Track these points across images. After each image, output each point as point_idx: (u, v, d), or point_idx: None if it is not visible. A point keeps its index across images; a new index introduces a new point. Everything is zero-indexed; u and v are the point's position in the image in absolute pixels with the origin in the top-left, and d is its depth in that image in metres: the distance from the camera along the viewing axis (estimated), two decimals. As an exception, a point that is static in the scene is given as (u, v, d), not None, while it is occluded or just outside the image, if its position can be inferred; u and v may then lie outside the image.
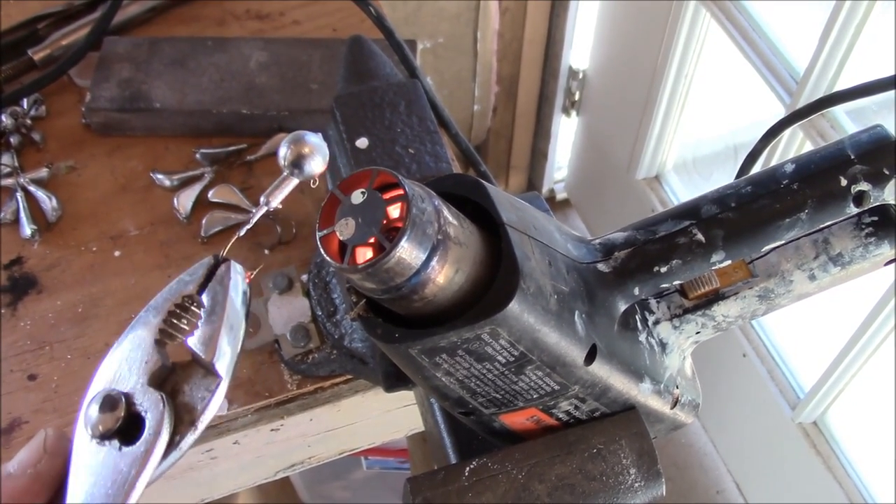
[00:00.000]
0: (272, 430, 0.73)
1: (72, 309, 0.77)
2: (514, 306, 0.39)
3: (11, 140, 0.87)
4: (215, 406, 0.40)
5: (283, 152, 0.34)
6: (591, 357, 0.43)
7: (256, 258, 0.80)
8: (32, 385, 0.72)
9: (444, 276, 0.38)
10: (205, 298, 0.41)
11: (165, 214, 0.83)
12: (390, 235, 0.37)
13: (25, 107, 0.89)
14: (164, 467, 0.39)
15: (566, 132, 2.13)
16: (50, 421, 0.70)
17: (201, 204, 0.83)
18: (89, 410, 0.39)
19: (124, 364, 0.39)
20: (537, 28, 1.90)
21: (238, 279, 0.41)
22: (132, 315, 0.75)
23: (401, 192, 0.37)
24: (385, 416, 0.78)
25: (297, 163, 0.34)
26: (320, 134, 0.38)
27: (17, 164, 0.85)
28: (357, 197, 0.38)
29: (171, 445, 0.39)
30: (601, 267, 0.46)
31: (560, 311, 0.41)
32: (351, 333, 0.70)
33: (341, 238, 0.38)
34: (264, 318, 0.74)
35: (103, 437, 0.38)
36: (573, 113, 2.06)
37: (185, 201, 0.82)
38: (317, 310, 0.73)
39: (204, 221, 0.81)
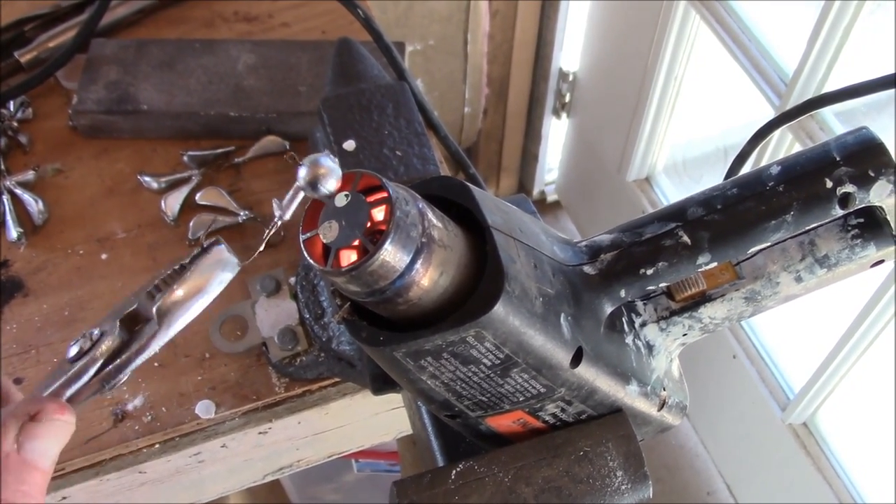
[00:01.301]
0: (260, 433, 0.73)
1: (58, 312, 0.76)
2: (499, 309, 0.39)
3: (-2, 142, 0.86)
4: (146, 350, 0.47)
5: (303, 173, 0.36)
6: (577, 359, 0.43)
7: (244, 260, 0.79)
8: (18, 389, 0.71)
9: (429, 279, 0.38)
10: (193, 269, 0.47)
11: (153, 217, 0.82)
12: (374, 238, 0.37)
13: (12, 109, 0.89)
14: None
15: (557, 134, 2.13)
16: (36, 425, 0.70)
17: (189, 206, 0.82)
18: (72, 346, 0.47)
19: (118, 305, 0.47)
20: (527, 30, 1.90)
21: (230, 268, 0.48)
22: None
23: (385, 194, 0.37)
24: (373, 419, 0.78)
25: (314, 182, 0.36)
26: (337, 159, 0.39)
27: (3, 166, 0.85)
28: (341, 200, 0.38)
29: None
30: (587, 269, 0.46)
31: (546, 314, 0.41)
32: (339, 336, 0.70)
33: (325, 241, 0.38)
34: (252, 321, 0.74)
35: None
36: (563, 115, 2.06)
37: (172, 204, 0.82)
38: (304, 312, 0.73)
39: (191, 224, 0.81)
